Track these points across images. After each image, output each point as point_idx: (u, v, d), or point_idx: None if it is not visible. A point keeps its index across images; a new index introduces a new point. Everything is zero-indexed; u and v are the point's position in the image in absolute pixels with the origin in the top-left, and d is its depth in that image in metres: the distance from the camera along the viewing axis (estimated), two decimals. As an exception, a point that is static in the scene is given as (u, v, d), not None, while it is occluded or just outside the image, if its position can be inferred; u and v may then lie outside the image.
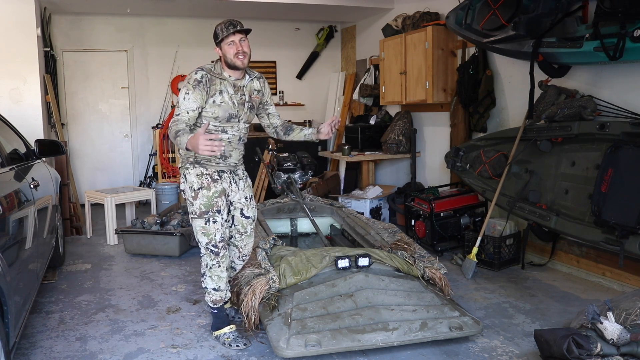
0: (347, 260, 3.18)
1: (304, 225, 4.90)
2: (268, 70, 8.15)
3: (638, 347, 2.44)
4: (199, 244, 2.99)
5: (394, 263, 3.29)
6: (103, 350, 2.96)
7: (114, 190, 5.85)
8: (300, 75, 8.40)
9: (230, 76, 2.93)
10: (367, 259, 3.20)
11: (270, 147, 6.41)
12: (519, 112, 4.68)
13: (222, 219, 2.95)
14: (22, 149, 3.78)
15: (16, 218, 2.60)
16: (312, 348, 2.66)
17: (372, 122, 6.72)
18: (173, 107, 7.27)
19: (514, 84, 4.85)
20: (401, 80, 5.86)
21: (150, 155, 7.52)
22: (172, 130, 2.72)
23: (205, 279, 3.02)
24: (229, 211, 3.07)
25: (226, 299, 3.07)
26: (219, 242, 2.95)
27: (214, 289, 3.01)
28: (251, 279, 3.15)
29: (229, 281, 3.14)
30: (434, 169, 6.05)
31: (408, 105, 6.04)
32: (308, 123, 8.13)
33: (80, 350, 2.97)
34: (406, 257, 3.37)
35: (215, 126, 2.91)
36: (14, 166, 3.19)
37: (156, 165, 7.30)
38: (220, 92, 2.88)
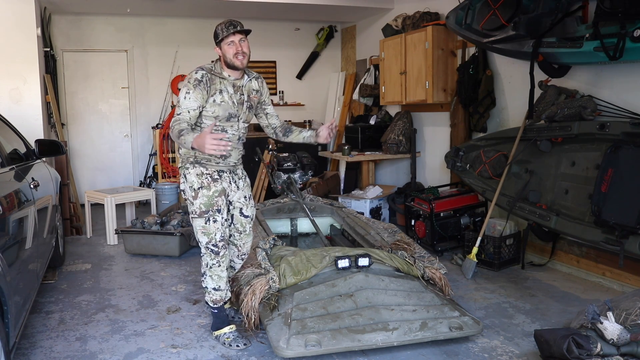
0: (347, 260, 3.18)
1: (304, 225, 4.90)
2: (268, 70, 8.15)
3: (638, 347, 2.44)
4: (199, 244, 2.99)
5: (394, 263, 3.29)
6: (103, 350, 2.96)
7: (114, 190, 5.85)
8: (300, 75, 8.40)
9: (229, 76, 2.95)
10: (367, 259, 3.20)
11: (270, 147, 6.41)
12: (519, 112, 4.68)
13: (222, 218, 2.96)
14: (22, 149, 3.78)
15: (16, 218, 2.60)
16: (312, 348, 2.66)
17: (372, 122, 6.72)
18: (173, 107, 7.27)
19: (514, 84, 4.85)
20: (401, 80, 5.86)
21: (150, 155, 7.52)
22: (174, 130, 2.73)
23: (205, 278, 3.03)
24: (228, 210, 3.07)
25: (226, 299, 3.07)
26: (219, 241, 2.95)
27: (214, 289, 3.02)
28: (251, 279, 3.15)
29: (228, 281, 3.14)
30: (434, 169, 6.05)
31: (408, 105, 6.04)
32: (308, 123, 8.13)
33: (80, 350, 2.97)
34: (406, 257, 3.37)
35: (215, 125, 2.92)
36: (14, 166, 3.19)
37: (156, 165, 7.30)
38: (221, 91, 2.89)
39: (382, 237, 3.97)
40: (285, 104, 8.25)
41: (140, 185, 7.40)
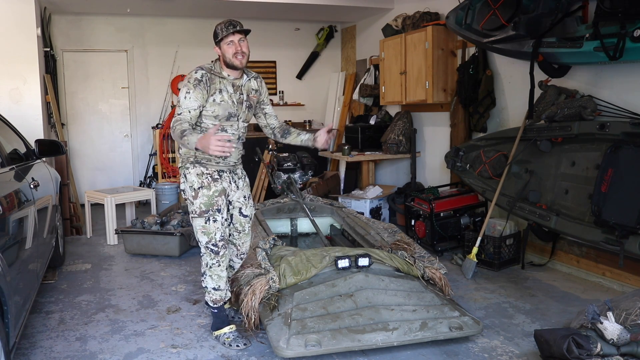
0: (347, 260, 3.18)
1: (304, 225, 4.90)
2: (268, 70, 8.15)
3: (638, 347, 2.44)
4: (199, 243, 3.00)
5: (394, 263, 3.29)
6: (103, 350, 2.96)
7: (114, 190, 5.85)
8: (300, 75, 8.40)
9: (229, 75, 2.96)
10: (367, 259, 3.20)
11: (270, 147, 6.42)
12: (519, 112, 4.68)
13: (222, 218, 2.96)
14: (22, 149, 3.79)
15: (16, 218, 2.60)
16: (312, 348, 2.66)
17: (372, 122, 6.72)
18: (173, 107, 7.27)
19: (514, 84, 4.85)
20: (401, 80, 5.86)
21: (150, 155, 7.52)
22: (176, 130, 2.73)
23: (205, 278, 3.03)
24: (227, 210, 3.07)
25: (226, 299, 3.07)
26: (219, 241, 2.96)
27: (214, 288, 3.02)
28: (251, 279, 3.15)
29: (228, 281, 3.14)
30: (434, 169, 6.05)
31: (408, 105, 6.04)
32: (308, 123, 8.14)
33: (80, 350, 2.97)
34: (406, 257, 3.37)
35: (215, 124, 2.92)
36: (14, 166, 3.19)
37: (156, 165, 7.30)
38: (220, 90, 2.90)
39: (382, 237, 3.97)
40: (285, 104, 8.25)
41: (140, 185, 7.40)
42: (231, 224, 3.15)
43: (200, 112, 2.88)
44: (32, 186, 3.22)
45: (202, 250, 2.99)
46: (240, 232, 3.20)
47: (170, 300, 3.74)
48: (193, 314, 3.49)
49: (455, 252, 4.69)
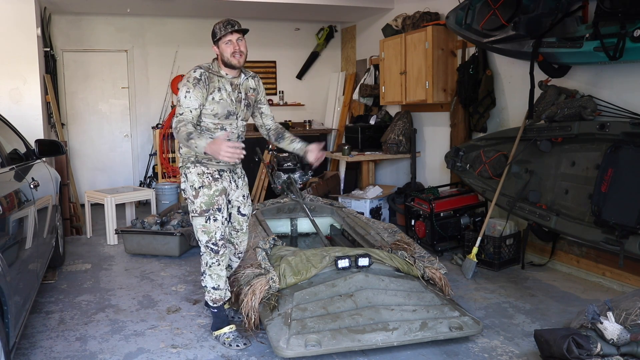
0: (347, 260, 3.18)
1: (304, 225, 4.90)
2: (268, 70, 8.15)
3: (638, 347, 2.44)
4: (199, 242, 3.00)
5: (394, 263, 3.29)
6: (103, 350, 2.96)
7: (114, 190, 5.85)
8: (300, 75, 8.40)
9: (227, 74, 2.97)
10: (367, 259, 3.20)
11: (270, 147, 6.42)
12: (519, 112, 4.68)
13: (223, 217, 2.97)
14: (22, 149, 3.78)
15: (16, 218, 2.60)
16: (312, 348, 2.66)
17: (372, 122, 6.72)
18: (173, 107, 7.27)
19: (514, 84, 4.85)
20: (401, 80, 5.86)
21: (150, 155, 7.52)
22: (181, 132, 2.75)
23: (205, 277, 3.03)
24: (226, 209, 3.08)
25: (226, 299, 3.08)
26: (219, 240, 2.96)
27: (213, 288, 3.02)
28: (251, 279, 3.15)
29: (227, 280, 3.14)
30: (434, 169, 6.05)
31: (408, 105, 6.04)
32: (308, 123, 8.14)
33: (80, 350, 2.97)
34: (406, 257, 3.37)
35: (215, 124, 2.94)
36: (14, 166, 3.19)
37: (156, 165, 7.30)
38: (219, 89, 2.92)
39: (382, 237, 3.97)
40: (285, 104, 8.25)
41: (140, 185, 7.40)
42: (229, 223, 3.16)
43: (200, 111, 2.89)
44: (32, 186, 3.22)
45: (202, 249, 3.00)
46: (238, 231, 3.22)
47: (170, 300, 3.74)
48: (193, 314, 3.49)
49: (455, 252, 4.69)
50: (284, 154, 6.02)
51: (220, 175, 2.99)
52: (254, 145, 5.73)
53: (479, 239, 4.22)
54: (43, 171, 3.95)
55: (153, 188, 6.41)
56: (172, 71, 7.54)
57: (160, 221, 4.99)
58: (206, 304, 3.31)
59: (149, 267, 4.55)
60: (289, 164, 6.07)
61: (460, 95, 5.28)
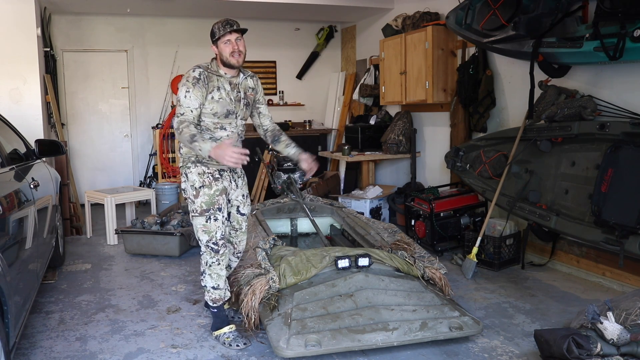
0: (347, 260, 3.18)
1: (304, 225, 4.90)
2: (268, 70, 8.15)
3: (638, 347, 2.44)
4: (199, 242, 3.01)
5: (394, 263, 3.29)
6: (103, 350, 2.97)
7: (114, 190, 5.85)
8: (300, 75, 8.40)
9: (225, 74, 2.99)
10: (367, 259, 3.20)
11: (270, 147, 6.41)
12: (519, 112, 4.68)
13: (223, 216, 2.98)
14: (22, 149, 3.78)
15: (16, 218, 2.60)
16: (312, 348, 2.66)
17: (372, 122, 6.72)
18: (173, 107, 7.27)
19: (514, 84, 4.85)
20: (401, 80, 5.86)
21: (150, 155, 7.52)
22: (184, 134, 2.76)
23: (204, 277, 3.04)
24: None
25: (225, 298, 3.08)
26: (220, 239, 2.97)
27: (213, 287, 3.03)
28: (251, 279, 3.15)
29: (226, 280, 3.14)
30: (434, 169, 6.05)
31: (408, 105, 6.04)
32: (308, 123, 8.14)
33: (80, 350, 2.97)
34: (406, 257, 3.37)
35: (214, 123, 2.95)
36: (14, 166, 3.19)
37: (156, 165, 7.29)
38: (218, 88, 2.93)
39: (382, 237, 3.97)
40: (285, 104, 8.25)
41: (140, 185, 7.40)
42: (228, 222, 3.17)
43: (200, 110, 2.90)
44: (32, 186, 3.22)
45: (203, 248, 3.00)
46: (237, 230, 3.23)
47: (170, 300, 3.74)
48: (193, 314, 3.49)
49: (455, 252, 4.69)
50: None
51: (221, 175, 2.99)
52: (254, 145, 5.72)
53: (479, 239, 4.22)
54: (43, 171, 3.95)
55: (153, 188, 6.41)
56: (172, 71, 7.54)
57: (160, 221, 4.99)
58: (206, 304, 3.32)
59: (149, 267, 4.55)
60: (289, 164, 6.07)
61: (460, 95, 5.28)
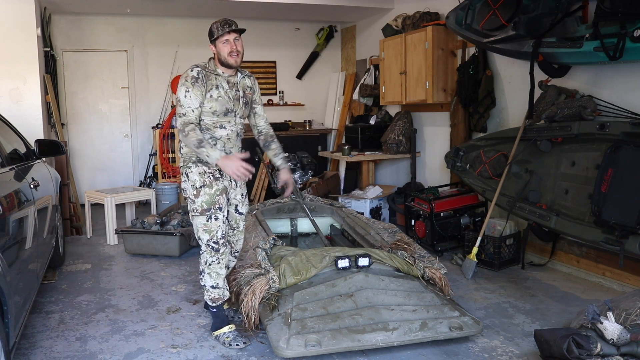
0: (347, 260, 3.18)
1: (304, 225, 4.90)
2: (268, 70, 8.15)
3: (638, 347, 2.44)
4: (200, 241, 3.01)
5: (394, 263, 3.29)
6: (103, 350, 2.97)
7: (114, 190, 5.85)
8: (300, 75, 8.40)
9: (223, 73, 3.00)
10: (367, 259, 3.20)
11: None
12: (519, 112, 4.68)
13: (223, 216, 2.99)
14: (22, 149, 3.78)
15: (16, 218, 2.60)
16: (312, 348, 2.66)
17: (372, 122, 6.72)
18: (173, 107, 7.27)
19: (514, 84, 4.85)
20: (401, 80, 5.86)
21: (150, 155, 7.52)
22: (190, 137, 2.79)
23: (204, 276, 3.04)
24: None
25: (225, 298, 3.08)
26: (220, 238, 2.98)
27: (212, 286, 3.03)
28: (251, 279, 3.15)
29: (225, 279, 3.15)
30: (434, 169, 6.05)
31: (408, 105, 6.04)
32: (308, 123, 8.14)
33: (80, 350, 2.97)
34: (406, 257, 3.37)
35: (214, 122, 2.96)
36: (14, 166, 3.19)
37: (156, 165, 7.30)
38: (217, 87, 2.95)
39: (382, 237, 3.97)
40: (285, 104, 8.25)
41: (140, 185, 7.40)
42: (227, 221, 3.17)
43: (201, 109, 2.92)
44: (32, 186, 3.22)
45: (203, 248, 3.01)
46: (234, 229, 3.24)
47: (170, 300, 3.74)
48: (193, 314, 3.49)
49: (455, 252, 4.69)
50: (284, 154, 5.97)
51: (221, 175, 3.00)
52: (254, 145, 5.72)
53: (479, 239, 4.22)
54: (43, 171, 3.95)
55: (153, 188, 6.41)
56: (172, 71, 7.54)
57: (160, 221, 4.99)
58: (206, 305, 3.32)
59: (149, 267, 4.55)
60: (289, 164, 6.05)
61: (460, 95, 5.28)
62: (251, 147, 3.55)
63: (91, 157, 7.46)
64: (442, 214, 4.75)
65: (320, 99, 8.48)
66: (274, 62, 8.22)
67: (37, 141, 3.87)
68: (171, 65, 7.55)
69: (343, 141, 6.97)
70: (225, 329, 3.04)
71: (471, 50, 5.30)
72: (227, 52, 2.91)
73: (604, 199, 3.44)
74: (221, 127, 2.98)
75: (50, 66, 6.48)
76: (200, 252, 3.05)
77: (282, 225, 4.92)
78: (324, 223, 4.85)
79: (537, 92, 4.24)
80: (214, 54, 2.99)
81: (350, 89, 7.83)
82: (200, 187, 2.94)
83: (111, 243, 5.34)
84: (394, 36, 6.01)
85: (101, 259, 4.84)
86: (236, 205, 3.18)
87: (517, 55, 4.28)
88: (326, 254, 3.27)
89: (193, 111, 2.88)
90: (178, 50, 7.54)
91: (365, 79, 7.15)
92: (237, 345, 2.96)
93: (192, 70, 2.91)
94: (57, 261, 4.44)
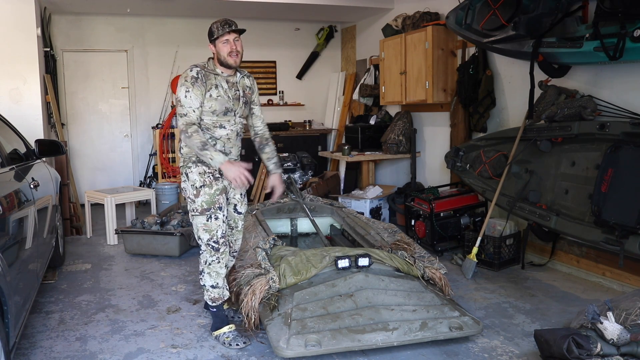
0: (347, 260, 3.18)
1: (304, 225, 4.90)
2: (268, 70, 8.15)
3: (638, 347, 2.44)
4: (200, 241, 3.01)
5: (394, 263, 3.29)
6: (103, 350, 2.97)
7: (114, 190, 5.85)
8: (300, 75, 8.40)
9: (222, 72, 3.01)
10: (367, 259, 3.20)
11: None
12: (519, 112, 4.68)
13: (223, 215, 2.99)
14: (22, 149, 3.78)
15: (16, 218, 2.60)
16: (312, 348, 2.66)
17: (372, 122, 6.72)
18: (173, 107, 7.27)
19: (514, 84, 4.85)
20: (401, 80, 5.86)
21: (150, 155, 7.52)
22: (193, 139, 2.81)
23: (203, 276, 3.05)
24: None
25: (224, 298, 3.08)
26: (220, 238, 2.99)
27: (212, 286, 3.04)
28: (251, 279, 3.15)
29: (225, 279, 3.15)
30: (434, 169, 6.05)
31: (408, 105, 6.04)
32: (308, 123, 8.14)
33: (80, 350, 2.97)
34: (406, 257, 3.37)
35: (213, 121, 2.96)
36: (14, 166, 3.19)
37: (156, 165, 7.29)
38: (216, 86, 2.96)
39: (382, 237, 3.97)
40: (285, 104, 8.25)
41: (140, 185, 7.40)
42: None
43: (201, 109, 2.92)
44: (32, 186, 3.22)
45: (203, 247, 3.01)
46: (233, 229, 3.24)
47: (170, 300, 3.74)
48: (193, 314, 3.49)
49: (455, 252, 4.69)
50: (284, 154, 6.00)
51: (221, 175, 3.00)
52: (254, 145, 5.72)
53: (479, 239, 4.22)
54: (43, 171, 3.95)
55: (153, 188, 6.41)
56: (172, 71, 7.54)
57: (160, 221, 4.99)
58: (206, 305, 3.32)
59: (149, 267, 4.55)
60: (289, 164, 6.07)
61: (460, 95, 5.28)
62: (252, 147, 3.55)
63: (91, 157, 7.46)
64: (442, 214, 4.75)
65: (320, 99, 8.48)
66: (274, 62, 8.22)
67: (37, 141, 3.87)
68: (171, 65, 7.56)
69: (343, 141, 6.97)
70: (225, 329, 3.04)
71: (471, 50, 5.30)
72: (226, 52, 2.92)
73: (604, 199, 3.44)
74: (221, 126, 2.99)
75: (50, 66, 6.48)
76: (200, 252, 3.05)
77: (282, 225, 4.92)
78: (324, 223, 4.85)
79: (537, 92, 4.24)
80: (213, 53, 3.00)
81: (350, 89, 7.83)
82: (200, 187, 2.95)
83: (111, 243, 5.34)
84: (394, 36, 6.01)
85: (101, 259, 4.84)
86: (235, 205, 3.19)
87: (517, 55, 4.28)
88: (326, 254, 3.27)
89: (194, 111, 2.88)
90: (178, 50, 7.54)
91: (365, 79, 7.15)
92: (237, 345, 2.96)
93: (191, 70, 2.91)
94: (57, 261, 4.44)
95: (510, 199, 4.25)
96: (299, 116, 8.26)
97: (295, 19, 7.97)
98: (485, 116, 5.08)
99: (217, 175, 2.98)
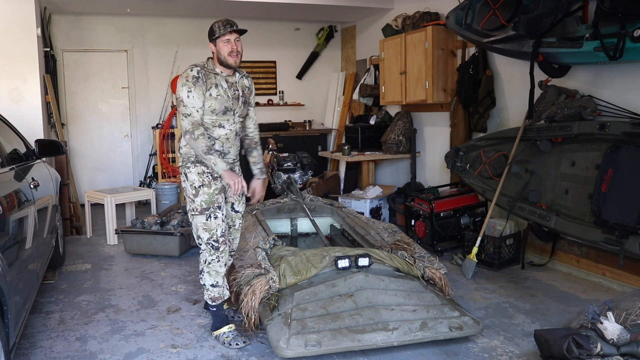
0: (347, 260, 3.18)
1: (304, 225, 4.90)
2: (268, 70, 8.15)
3: (638, 347, 2.44)
4: (199, 240, 3.02)
5: (394, 263, 3.29)
6: (103, 350, 2.97)
7: (114, 190, 5.85)
8: (300, 75, 8.40)
9: (222, 72, 3.01)
10: (367, 259, 3.20)
11: (270, 147, 6.41)
12: (519, 112, 4.68)
13: (222, 214, 3.00)
14: (22, 149, 3.78)
15: (16, 218, 2.60)
16: (312, 348, 2.66)
17: (372, 122, 6.72)
18: (173, 107, 7.27)
19: (514, 84, 4.85)
20: (401, 80, 5.86)
21: (150, 155, 7.52)
22: (199, 142, 2.85)
23: (203, 275, 3.05)
24: None
25: (224, 297, 3.08)
26: (220, 237, 2.99)
27: (212, 285, 3.04)
28: (251, 279, 3.15)
29: (225, 278, 3.15)
30: (434, 169, 6.05)
31: (408, 105, 6.04)
32: (308, 123, 8.14)
33: (80, 350, 2.97)
34: (406, 257, 3.37)
35: (212, 120, 2.96)
36: (14, 166, 3.19)
37: (156, 165, 7.30)
38: (216, 85, 2.97)
39: (382, 237, 3.97)
40: (285, 104, 8.25)
41: (140, 185, 7.40)
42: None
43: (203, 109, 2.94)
44: (32, 186, 3.22)
45: (203, 247, 3.01)
46: (230, 227, 3.25)
47: (170, 300, 3.74)
48: (193, 314, 3.49)
49: (455, 252, 4.69)
50: (284, 154, 6.00)
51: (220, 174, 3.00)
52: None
53: (479, 239, 4.22)
54: (43, 171, 3.95)
55: (153, 188, 6.41)
56: (172, 71, 7.54)
57: (160, 221, 4.99)
58: (206, 305, 3.32)
59: (149, 267, 4.55)
60: (289, 164, 6.07)
61: (460, 95, 5.28)
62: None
63: (91, 157, 7.46)
64: (442, 214, 4.75)
65: (320, 99, 8.48)
66: (274, 62, 8.21)
67: (37, 141, 3.86)
68: (171, 65, 7.56)
69: (343, 141, 6.97)
70: (225, 329, 3.04)
71: (471, 50, 5.30)
72: (227, 51, 2.93)
73: (604, 199, 3.44)
74: (220, 126, 2.99)
75: (50, 66, 6.48)
76: (200, 252, 3.05)
77: (282, 225, 4.92)
78: (324, 223, 4.85)
79: (537, 92, 4.24)
80: (213, 53, 3.00)
81: (350, 89, 7.83)
82: (199, 186, 2.96)
83: (111, 243, 5.34)
84: (394, 36, 6.01)
85: (101, 259, 4.84)
86: (233, 204, 3.20)
87: (517, 55, 4.29)
88: (326, 254, 3.27)
89: (197, 111, 2.90)
90: (178, 50, 7.54)
91: (365, 79, 7.15)
92: (237, 344, 2.96)
93: (191, 70, 2.92)
94: (57, 261, 4.44)
95: (510, 199, 4.25)
96: (299, 116, 8.26)
97: (295, 19, 7.97)
98: (485, 116, 5.09)
99: (216, 175, 2.98)
